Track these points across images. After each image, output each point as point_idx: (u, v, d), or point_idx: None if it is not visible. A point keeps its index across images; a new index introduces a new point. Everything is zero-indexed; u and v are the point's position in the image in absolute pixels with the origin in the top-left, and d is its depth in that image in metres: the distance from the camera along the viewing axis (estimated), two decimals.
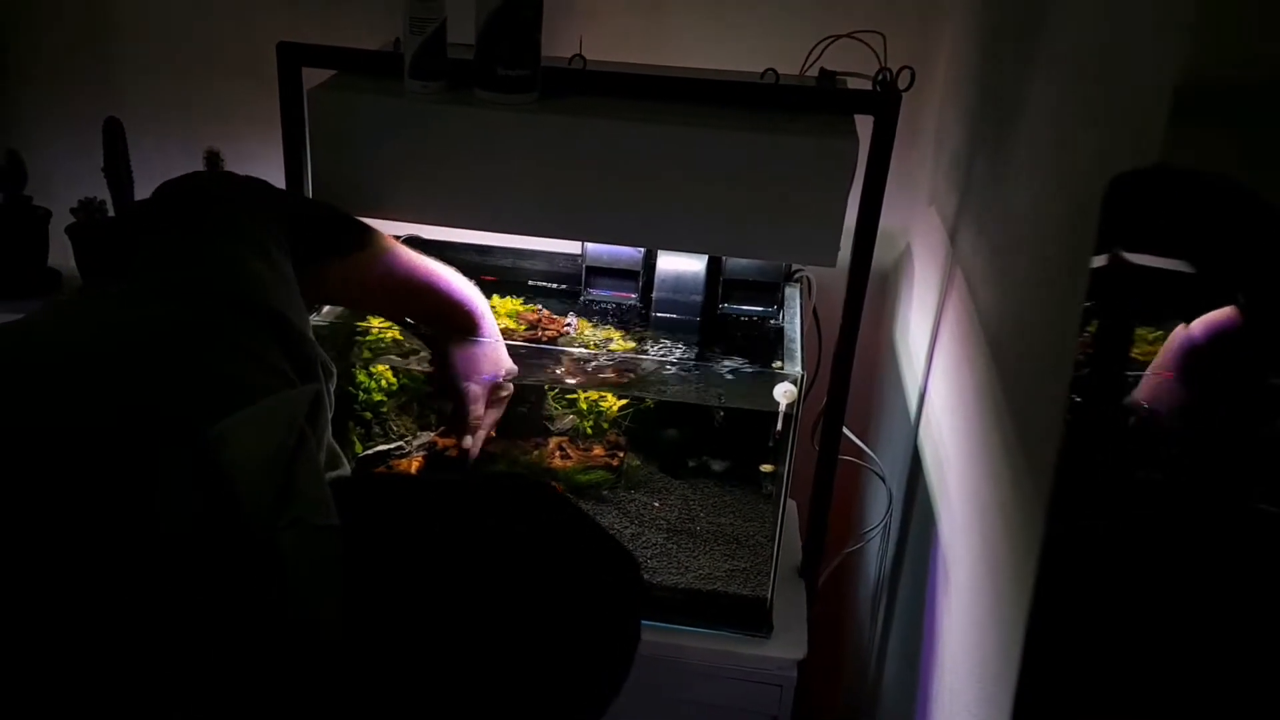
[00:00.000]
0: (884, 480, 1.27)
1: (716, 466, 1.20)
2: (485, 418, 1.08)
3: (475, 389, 1.05)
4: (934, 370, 1.14)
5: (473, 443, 1.07)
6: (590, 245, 1.26)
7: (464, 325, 1.03)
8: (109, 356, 0.62)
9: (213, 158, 1.40)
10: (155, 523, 0.52)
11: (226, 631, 0.51)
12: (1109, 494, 0.54)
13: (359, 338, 1.15)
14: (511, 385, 1.09)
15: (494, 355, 1.06)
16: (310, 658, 0.51)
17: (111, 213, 1.41)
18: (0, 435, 0.55)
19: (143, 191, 1.41)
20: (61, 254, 1.46)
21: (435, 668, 0.53)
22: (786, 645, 1.09)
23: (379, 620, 0.53)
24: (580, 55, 1.08)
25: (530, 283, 1.31)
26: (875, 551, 1.31)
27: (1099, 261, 0.57)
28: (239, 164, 1.42)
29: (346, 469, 0.67)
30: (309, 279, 0.89)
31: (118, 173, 1.37)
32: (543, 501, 0.62)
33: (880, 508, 1.28)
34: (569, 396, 1.16)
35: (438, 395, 1.13)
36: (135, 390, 0.60)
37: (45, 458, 0.55)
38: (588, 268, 1.27)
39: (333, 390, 0.77)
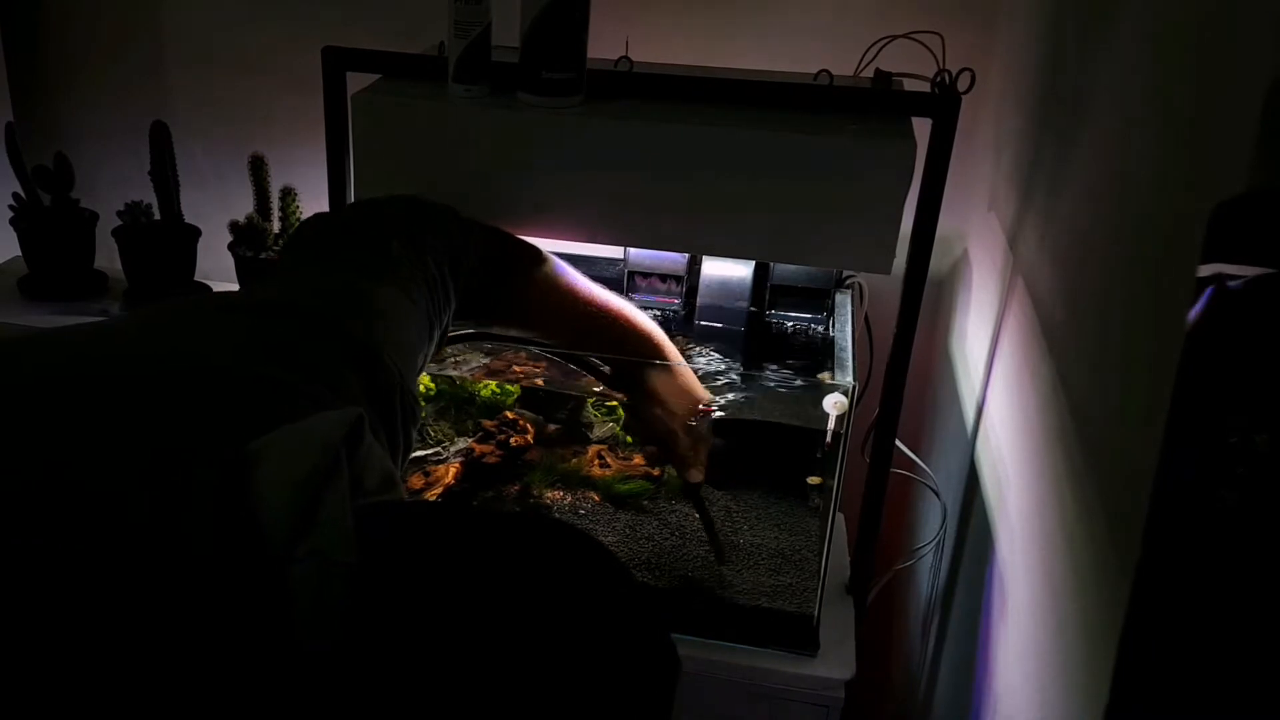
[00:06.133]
0: (938, 495, 1.23)
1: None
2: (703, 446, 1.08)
3: (694, 421, 1.04)
4: (993, 381, 1.10)
5: (700, 474, 1.08)
6: (633, 249, 1.24)
7: (649, 354, 1.03)
8: (168, 372, 0.61)
9: (257, 162, 1.40)
10: (181, 542, 0.51)
11: (228, 656, 0.49)
12: (1187, 514, 0.50)
13: None
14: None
15: (697, 385, 1.05)
16: (311, 692, 0.48)
17: (158, 216, 1.42)
18: (53, 451, 0.54)
19: (188, 194, 1.42)
20: (108, 256, 1.47)
21: (444, 711, 0.50)
22: (834, 665, 1.06)
23: (390, 657, 0.50)
24: (626, 57, 1.06)
25: None
26: (927, 569, 1.26)
27: (1205, 271, 0.53)
28: (284, 168, 1.43)
29: (401, 496, 0.64)
30: (490, 303, 0.92)
31: (164, 176, 1.38)
32: (583, 555, 0.58)
33: (933, 523, 1.24)
34: (608, 404, 1.14)
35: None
36: (181, 409, 0.58)
37: (84, 480, 0.53)
38: (630, 272, 1.25)
39: (414, 431, 0.75)
